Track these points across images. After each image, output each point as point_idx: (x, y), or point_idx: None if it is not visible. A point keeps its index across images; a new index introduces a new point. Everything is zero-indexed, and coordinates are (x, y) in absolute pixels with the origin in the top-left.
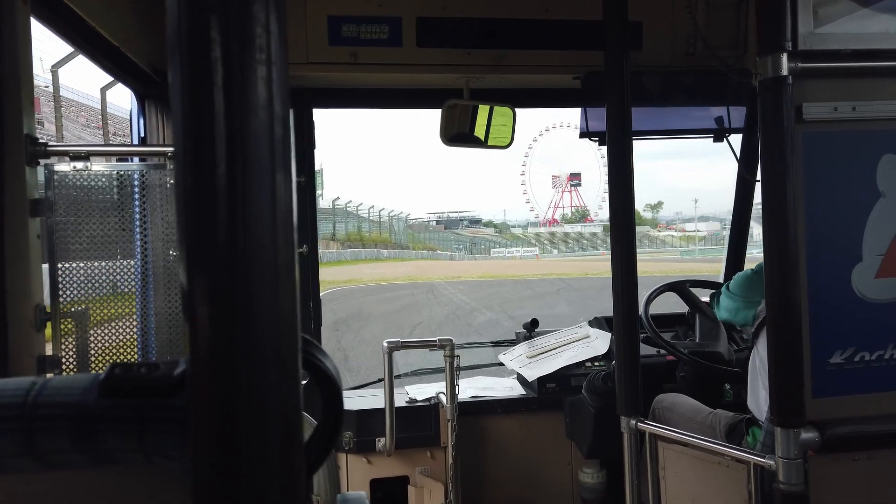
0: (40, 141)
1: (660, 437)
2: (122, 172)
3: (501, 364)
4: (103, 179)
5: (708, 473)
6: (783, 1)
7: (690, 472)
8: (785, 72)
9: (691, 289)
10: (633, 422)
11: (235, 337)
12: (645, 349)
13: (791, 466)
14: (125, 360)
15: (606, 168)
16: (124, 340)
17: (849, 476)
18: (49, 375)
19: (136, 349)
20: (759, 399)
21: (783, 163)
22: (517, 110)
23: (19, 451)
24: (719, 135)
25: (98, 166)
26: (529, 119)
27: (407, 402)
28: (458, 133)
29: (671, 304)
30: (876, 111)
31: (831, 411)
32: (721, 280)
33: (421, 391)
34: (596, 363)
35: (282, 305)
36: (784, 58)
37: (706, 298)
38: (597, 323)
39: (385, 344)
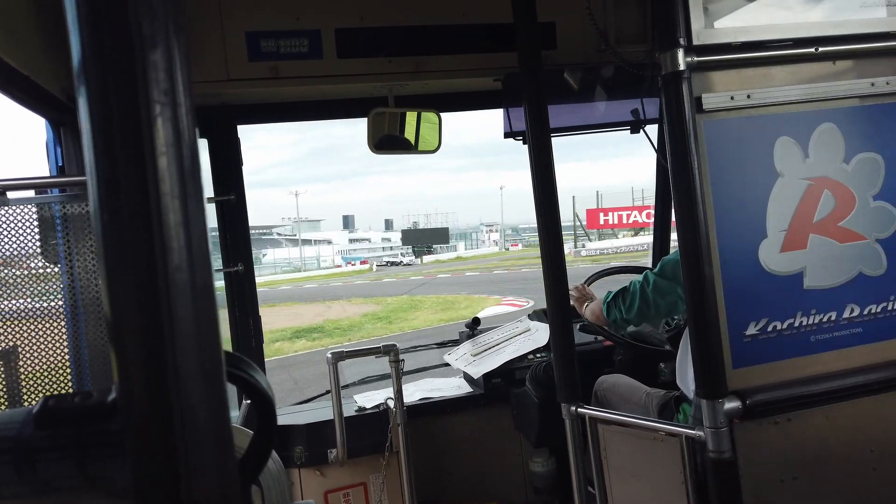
0: None
1: (599, 420)
2: (41, 204)
3: (447, 364)
4: (23, 213)
5: (646, 450)
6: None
7: (630, 451)
8: (682, 66)
9: (623, 275)
10: (573, 408)
11: (160, 358)
12: (583, 337)
13: (718, 435)
14: (59, 392)
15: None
16: (57, 372)
17: (772, 439)
18: None
19: (69, 380)
20: (686, 377)
21: (688, 151)
22: (442, 115)
23: None
24: (636, 126)
25: (16, 200)
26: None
27: (356, 410)
28: (387, 139)
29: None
30: (769, 97)
31: (751, 380)
32: (650, 266)
33: (370, 398)
34: (538, 355)
35: (203, 325)
36: (681, 53)
37: None
38: (536, 316)
39: (329, 355)
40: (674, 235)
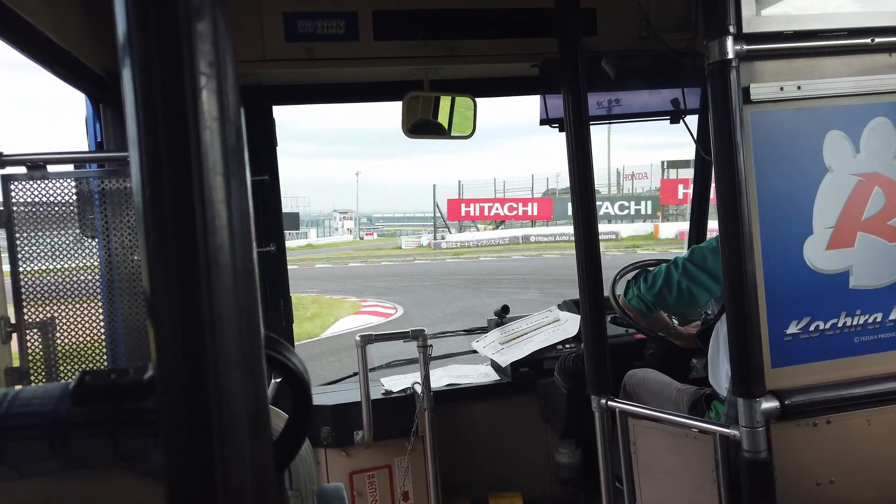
0: None
1: (629, 414)
2: (80, 179)
3: (475, 352)
4: (62, 187)
5: (677, 446)
6: None
7: (660, 446)
8: (731, 55)
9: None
10: (604, 400)
11: (199, 339)
12: (614, 329)
13: (754, 435)
14: (94, 368)
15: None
16: (92, 347)
17: (809, 441)
18: (18, 387)
19: (104, 355)
20: (719, 374)
21: (733, 143)
22: (477, 100)
23: None
24: (676, 116)
25: (56, 174)
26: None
27: (383, 393)
28: (421, 124)
29: None
30: (820, 89)
31: (790, 380)
32: None
33: (396, 382)
34: (567, 345)
35: (243, 306)
36: (730, 41)
37: None
38: (566, 306)
39: (358, 338)
40: (712, 224)
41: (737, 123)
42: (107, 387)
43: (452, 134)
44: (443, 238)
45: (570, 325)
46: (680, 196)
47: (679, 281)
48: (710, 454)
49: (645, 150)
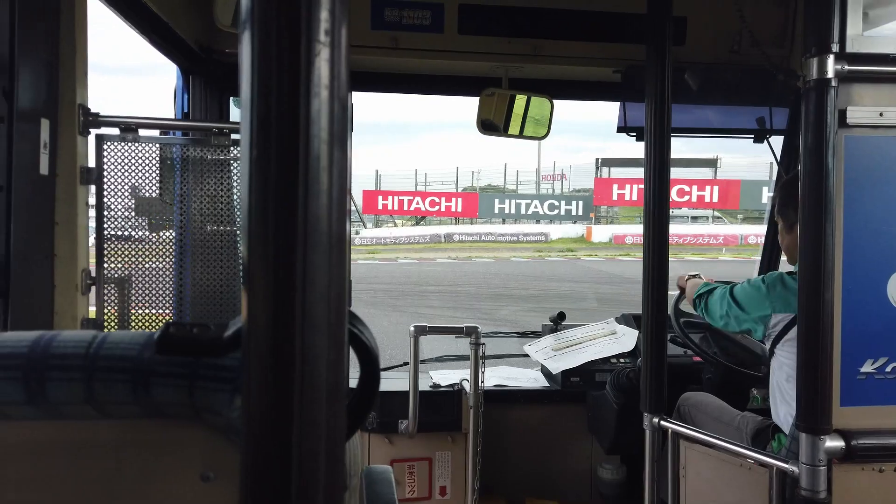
0: (92, 111)
1: (682, 436)
2: (166, 145)
3: (526, 356)
4: (149, 151)
5: (729, 475)
6: (833, 1)
7: (711, 473)
8: (831, 74)
9: None
10: (657, 420)
11: (290, 303)
12: (672, 349)
13: (814, 473)
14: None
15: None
16: (161, 308)
17: (872, 487)
18: (106, 331)
19: (171, 315)
20: (779, 412)
21: (824, 166)
22: (555, 101)
23: (80, 398)
24: (760, 135)
25: (144, 138)
26: None
27: (431, 386)
28: (495, 121)
29: None
30: None
31: (859, 420)
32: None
33: (445, 377)
34: (621, 360)
35: (334, 276)
36: (830, 59)
37: None
38: (624, 320)
39: (412, 328)
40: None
41: (829, 146)
42: (189, 339)
43: (525, 134)
44: (356, 233)
45: (626, 339)
46: (614, 197)
47: (726, 312)
48: (764, 487)
49: (557, 151)
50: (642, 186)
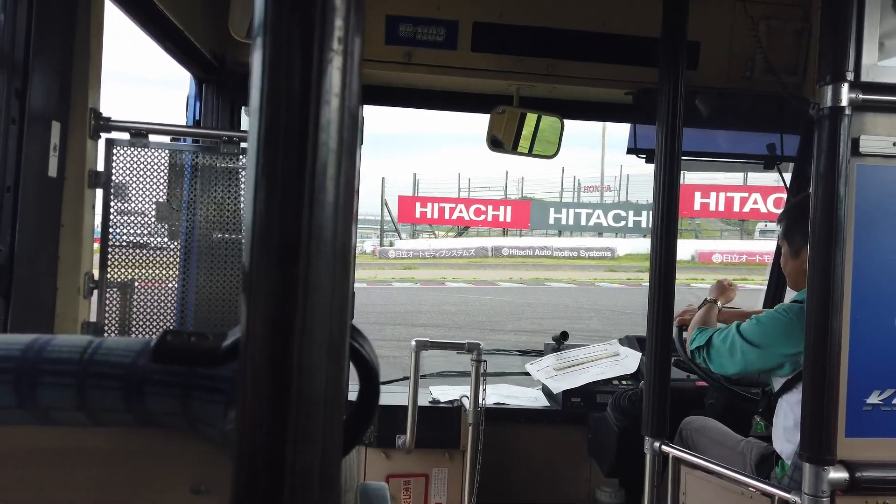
0: (104, 115)
1: (683, 462)
2: (175, 152)
3: (527, 374)
4: (159, 157)
5: (730, 502)
6: (848, 30)
7: (712, 499)
8: (845, 102)
9: None
10: (658, 444)
11: (291, 314)
12: (675, 372)
13: None
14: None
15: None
16: (163, 313)
17: None
18: (103, 337)
19: (173, 322)
20: (783, 448)
21: (835, 194)
22: (565, 122)
23: (72, 405)
24: (770, 162)
25: (155, 144)
26: None
27: (430, 402)
28: (504, 139)
29: None
30: None
31: (864, 452)
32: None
33: (444, 393)
34: (623, 381)
35: (337, 289)
36: (845, 87)
37: None
38: (627, 341)
39: (413, 342)
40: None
41: (841, 174)
42: (186, 348)
43: (534, 152)
44: (391, 244)
45: (629, 360)
46: (696, 207)
47: (741, 358)
48: None
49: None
50: (732, 195)
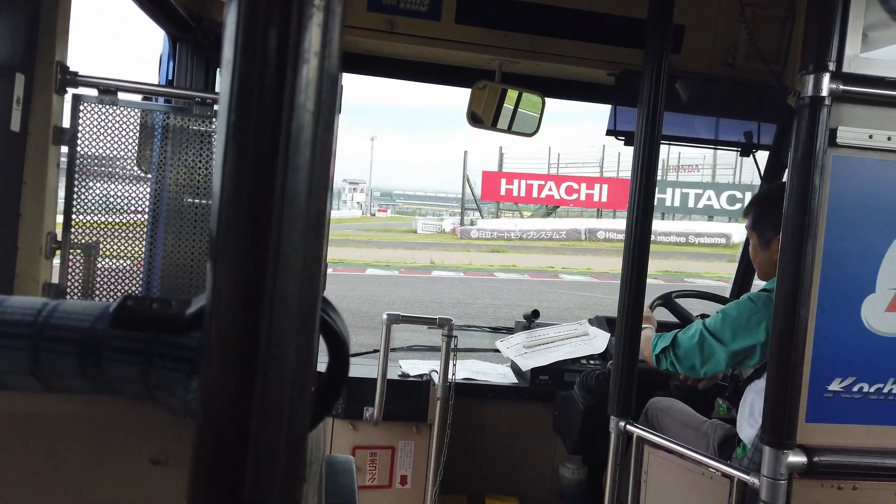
0: (71, 70)
1: (647, 442)
2: (146, 111)
3: (497, 351)
4: (128, 115)
5: (691, 482)
6: (833, 20)
7: (673, 479)
8: (825, 92)
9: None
10: (623, 423)
11: (261, 281)
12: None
13: (775, 486)
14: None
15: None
16: (129, 278)
17: (831, 503)
18: (60, 300)
19: (139, 287)
20: (746, 432)
21: (810, 183)
22: (547, 100)
23: (24, 369)
24: (746, 149)
25: (124, 102)
26: None
27: (399, 375)
28: (484, 114)
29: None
30: None
31: (822, 437)
32: (727, 295)
33: (414, 367)
34: (591, 361)
35: (309, 257)
36: (826, 78)
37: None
38: (597, 322)
39: (385, 316)
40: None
41: (818, 164)
42: (148, 315)
43: (513, 129)
44: (472, 223)
45: (598, 341)
46: (503, 192)
47: (711, 354)
48: (724, 497)
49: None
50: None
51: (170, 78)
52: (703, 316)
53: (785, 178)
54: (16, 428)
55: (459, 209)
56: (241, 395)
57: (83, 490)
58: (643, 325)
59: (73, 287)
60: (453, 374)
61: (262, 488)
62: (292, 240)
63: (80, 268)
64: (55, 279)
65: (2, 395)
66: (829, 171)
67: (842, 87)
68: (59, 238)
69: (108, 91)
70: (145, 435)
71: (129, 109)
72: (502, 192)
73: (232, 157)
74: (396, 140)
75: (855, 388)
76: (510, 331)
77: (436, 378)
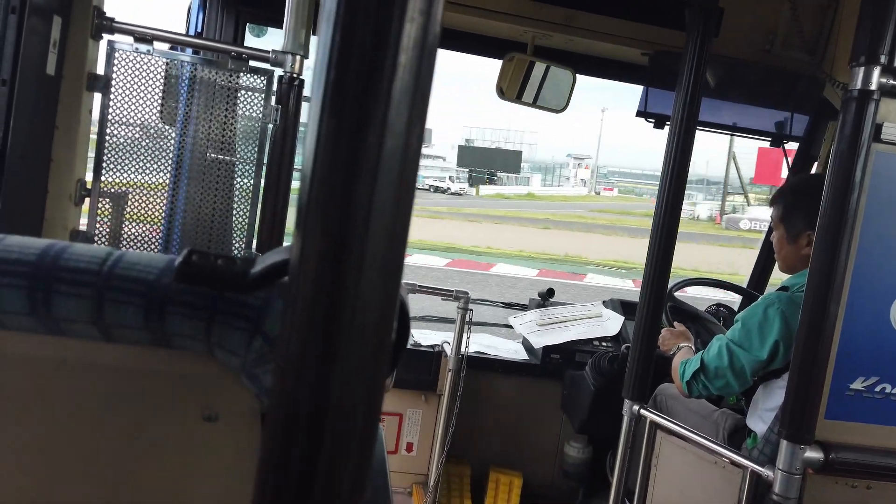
0: (108, 16)
1: (660, 427)
2: (174, 62)
3: (509, 326)
4: (161, 66)
5: (701, 470)
6: (888, 13)
7: (684, 466)
8: (874, 86)
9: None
10: (637, 407)
11: (347, 246)
12: None
13: (789, 480)
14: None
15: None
16: (150, 230)
17: (843, 501)
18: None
19: (159, 240)
20: (757, 424)
21: (851, 178)
22: (577, 77)
23: (87, 318)
24: (777, 139)
25: (159, 52)
26: None
27: (412, 344)
28: (514, 87)
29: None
30: None
31: (840, 435)
32: (745, 285)
33: (426, 337)
34: (604, 343)
35: (398, 216)
36: (877, 71)
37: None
38: (611, 304)
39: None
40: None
41: (860, 159)
42: (213, 271)
43: (541, 104)
44: (734, 211)
45: (611, 323)
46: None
47: (742, 367)
48: (735, 487)
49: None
50: None
51: (199, 30)
52: (720, 306)
53: (813, 171)
54: (72, 374)
55: (724, 191)
56: (317, 354)
57: (133, 439)
58: (680, 345)
59: (100, 235)
60: (466, 347)
61: (342, 449)
62: (383, 201)
63: (108, 216)
64: (83, 226)
65: (62, 340)
66: (870, 166)
67: (892, 81)
68: (89, 186)
69: (143, 39)
70: (198, 390)
71: (162, 59)
72: (783, 175)
73: (331, 113)
74: (622, 115)
75: (878, 388)
76: (524, 307)
77: (448, 349)
